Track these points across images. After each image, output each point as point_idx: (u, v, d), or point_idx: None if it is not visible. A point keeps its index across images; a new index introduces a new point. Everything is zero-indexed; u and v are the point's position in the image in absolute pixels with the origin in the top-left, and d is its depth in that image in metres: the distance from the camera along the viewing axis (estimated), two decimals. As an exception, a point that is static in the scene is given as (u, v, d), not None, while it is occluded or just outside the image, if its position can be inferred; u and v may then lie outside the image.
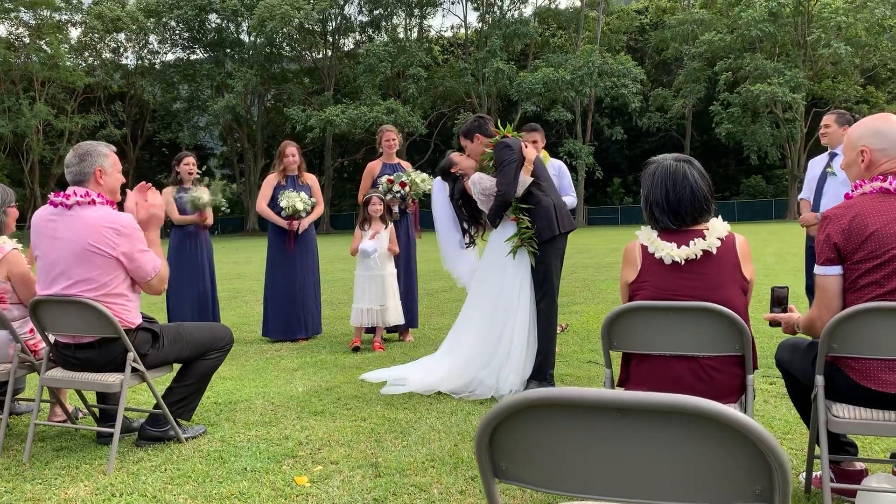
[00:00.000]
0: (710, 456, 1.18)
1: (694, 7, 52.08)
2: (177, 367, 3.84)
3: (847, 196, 2.53)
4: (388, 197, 6.46)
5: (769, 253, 16.65)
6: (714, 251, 2.54)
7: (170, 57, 54.70)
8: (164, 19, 51.13)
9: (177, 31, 52.80)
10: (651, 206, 2.65)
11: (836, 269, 2.48)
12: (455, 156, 5.06)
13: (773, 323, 2.82)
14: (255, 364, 5.71)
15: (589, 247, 21.69)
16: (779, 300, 2.81)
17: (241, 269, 16.61)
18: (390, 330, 6.52)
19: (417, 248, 6.94)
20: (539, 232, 4.56)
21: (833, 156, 5.31)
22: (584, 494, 1.26)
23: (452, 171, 5.00)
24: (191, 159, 6.85)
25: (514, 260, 4.63)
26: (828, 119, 5.30)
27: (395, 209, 6.54)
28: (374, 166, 6.71)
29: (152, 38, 53.09)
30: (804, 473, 2.90)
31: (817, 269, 2.52)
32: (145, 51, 53.55)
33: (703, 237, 2.56)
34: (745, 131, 44.77)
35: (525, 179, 4.58)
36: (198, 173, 6.90)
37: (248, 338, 7.00)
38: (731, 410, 1.12)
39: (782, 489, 1.16)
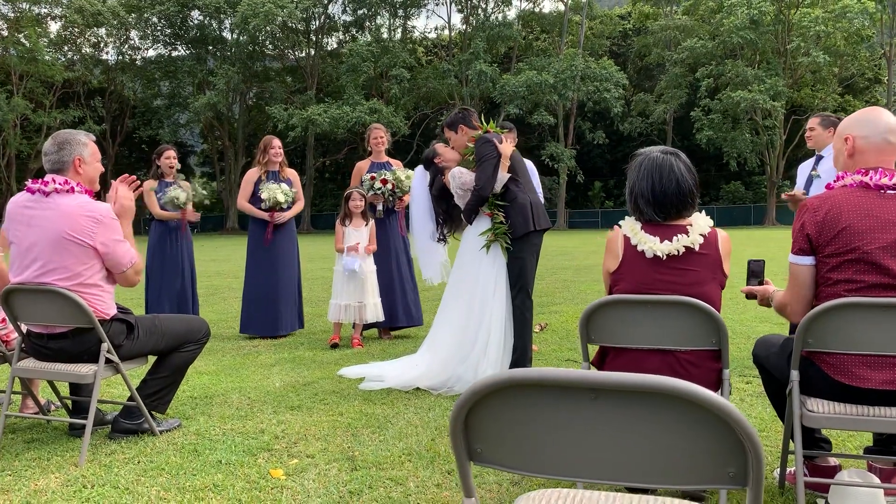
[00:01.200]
0: (684, 437, 1.18)
1: (676, 13, 52.51)
2: (152, 359, 3.79)
3: (828, 186, 2.55)
4: (371, 194, 6.43)
5: (748, 256, 16.78)
6: (697, 248, 2.54)
7: (151, 53, 54.27)
8: (145, 15, 50.65)
9: (158, 27, 52.33)
10: (636, 197, 2.64)
11: (809, 260, 2.50)
12: (439, 147, 5.06)
13: (750, 295, 2.86)
14: (233, 359, 5.67)
15: (569, 249, 21.78)
16: (755, 273, 2.85)
17: (220, 267, 16.48)
18: (368, 327, 6.49)
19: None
20: (514, 228, 4.57)
21: (819, 159, 5.34)
22: (558, 476, 1.26)
23: (435, 161, 5.00)
24: (171, 152, 6.79)
25: (489, 255, 4.63)
26: (813, 122, 5.33)
27: (379, 207, 6.51)
28: (362, 165, 6.69)
29: (133, 33, 52.62)
30: (778, 469, 2.92)
31: (791, 257, 2.55)
32: (126, 46, 53.04)
33: (687, 233, 2.56)
34: (725, 137, 45.18)
35: (503, 176, 4.59)
36: (176, 176, 6.86)
37: (226, 334, 6.94)
38: (706, 391, 1.12)
39: (756, 472, 1.16)
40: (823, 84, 47.98)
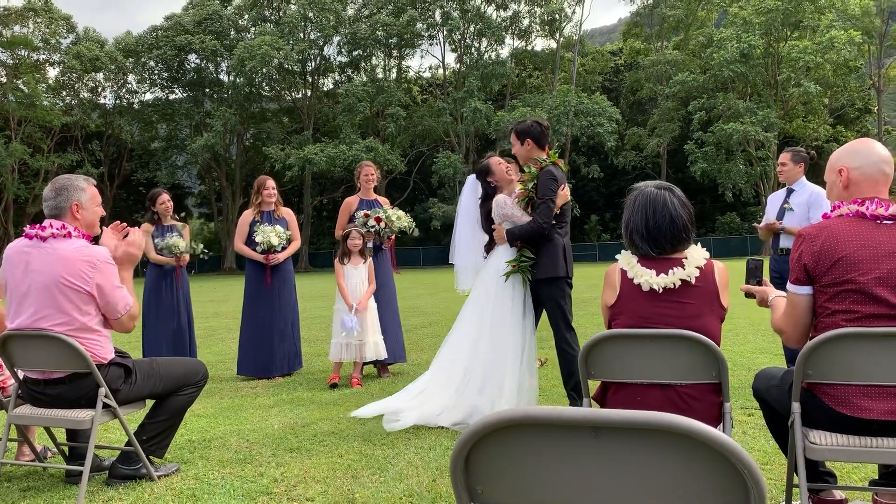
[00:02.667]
0: (685, 474, 1.17)
1: (667, 48, 53.27)
2: (150, 403, 3.76)
3: (825, 216, 2.56)
4: (364, 231, 6.45)
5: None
6: (693, 281, 2.54)
7: (148, 96, 54.80)
8: (142, 59, 51.29)
9: (155, 71, 52.92)
10: (631, 232, 2.65)
11: (806, 290, 2.52)
12: (494, 162, 4.96)
13: (748, 294, 2.89)
14: (230, 401, 5.62)
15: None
16: (753, 272, 2.88)
17: (217, 308, 16.44)
18: (367, 363, 6.46)
19: (396, 284, 6.92)
20: (540, 267, 4.59)
21: (790, 192, 5.44)
22: (560, 516, 1.24)
23: (488, 179, 4.97)
24: (164, 196, 6.83)
25: (509, 288, 4.64)
26: (784, 157, 5.47)
27: (370, 244, 6.53)
28: (351, 201, 6.71)
29: (131, 77, 53.19)
30: (783, 503, 2.89)
31: (789, 286, 2.56)
32: (124, 90, 53.57)
33: (682, 266, 2.56)
34: (719, 169, 45.52)
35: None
36: (175, 216, 6.91)
37: (224, 376, 6.90)
38: (706, 427, 1.12)
39: (759, 508, 1.15)
40: (815, 115, 48.53)
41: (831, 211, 2.55)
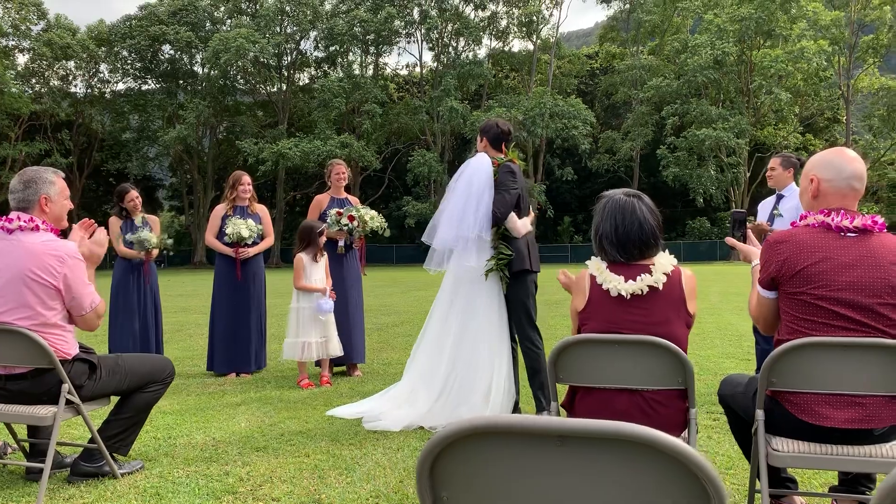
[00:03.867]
0: (649, 484, 1.17)
1: (642, 53, 53.75)
2: (115, 399, 3.71)
3: (793, 224, 2.60)
4: (336, 230, 6.42)
5: (714, 292, 17.01)
6: (660, 287, 2.57)
7: (120, 86, 54.09)
8: (115, 48, 50.61)
9: (129, 61, 52.24)
10: (601, 238, 2.68)
11: (773, 294, 2.58)
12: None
13: (732, 247, 3.00)
14: (198, 398, 5.56)
15: (540, 283, 21.73)
16: (738, 223, 2.95)
17: (186, 303, 16.26)
18: (337, 363, 6.44)
19: (364, 283, 6.89)
20: (513, 263, 4.63)
21: (780, 198, 5.45)
22: (524, 524, 1.25)
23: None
24: (133, 193, 6.73)
25: (485, 290, 4.65)
26: (774, 162, 5.46)
27: (342, 243, 6.50)
28: (321, 199, 6.67)
29: (103, 66, 52.47)
30: (746, 508, 2.93)
31: (758, 287, 2.62)
32: (95, 79, 52.82)
33: (650, 272, 2.59)
34: (691, 174, 46.02)
35: (528, 225, 4.72)
36: (143, 211, 6.81)
37: (192, 372, 6.82)
38: (668, 437, 1.13)
39: (720, 517, 1.16)
40: (785, 123, 49.29)
41: (800, 219, 2.58)
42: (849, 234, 2.44)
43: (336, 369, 6.59)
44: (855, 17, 47.93)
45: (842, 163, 2.53)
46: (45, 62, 49.60)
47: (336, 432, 4.44)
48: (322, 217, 6.50)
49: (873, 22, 47.34)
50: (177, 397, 5.59)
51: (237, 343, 6.49)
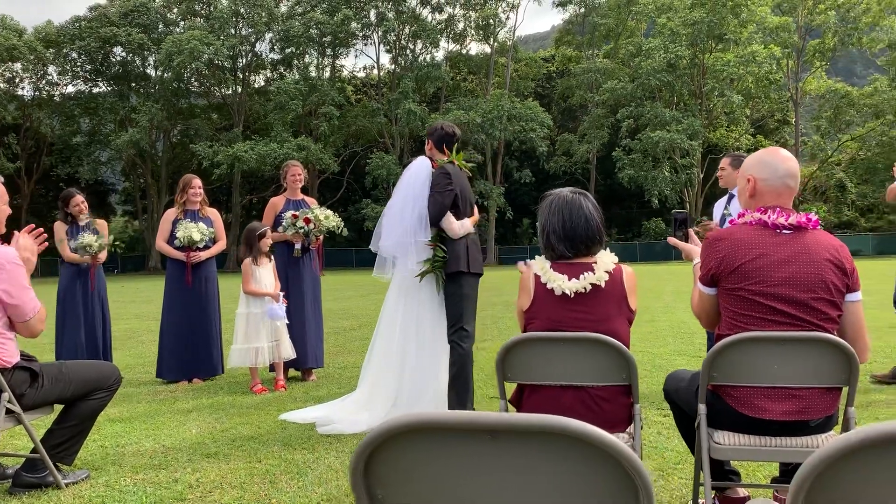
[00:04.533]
0: (578, 476, 1.19)
1: (598, 56, 54.41)
2: (59, 408, 3.63)
3: (732, 222, 2.66)
4: (292, 233, 6.35)
5: (668, 291, 17.29)
6: (602, 284, 2.62)
7: (70, 89, 52.80)
8: (64, 50, 49.41)
9: (78, 63, 51.04)
10: (548, 234, 2.73)
11: (712, 291, 2.63)
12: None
13: (675, 247, 3.05)
14: (148, 406, 5.46)
15: (499, 285, 21.97)
16: (679, 223, 3.01)
17: (139, 309, 15.96)
18: (289, 366, 6.38)
19: (322, 287, 6.84)
20: (448, 265, 4.60)
21: (731, 197, 5.53)
22: (458, 520, 1.26)
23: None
24: (78, 198, 6.58)
25: (427, 294, 4.65)
26: (724, 162, 5.53)
27: (298, 245, 6.43)
28: (277, 201, 6.59)
29: (51, 69, 51.15)
30: (691, 501, 2.99)
31: (699, 284, 2.67)
32: (43, 82, 51.47)
33: (593, 271, 2.63)
34: (646, 176, 46.70)
35: (468, 226, 4.70)
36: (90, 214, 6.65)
37: (142, 379, 6.70)
38: (596, 430, 1.15)
39: (648, 508, 1.18)
40: (737, 125, 50.35)
41: (738, 217, 2.65)
42: (784, 232, 2.51)
43: (291, 373, 6.53)
44: (802, 22, 49.20)
45: (776, 162, 2.59)
46: (-10, 64, 48.24)
47: (289, 437, 4.41)
48: (277, 220, 6.43)
49: (819, 27, 48.67)
50: (126, 405, 5.49)
51: (189, 349, 6.38)
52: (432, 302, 4.68)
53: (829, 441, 1.11)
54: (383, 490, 1.29)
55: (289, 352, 5.99)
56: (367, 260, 53.14)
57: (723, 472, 2.96)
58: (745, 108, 48.60)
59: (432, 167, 4.74)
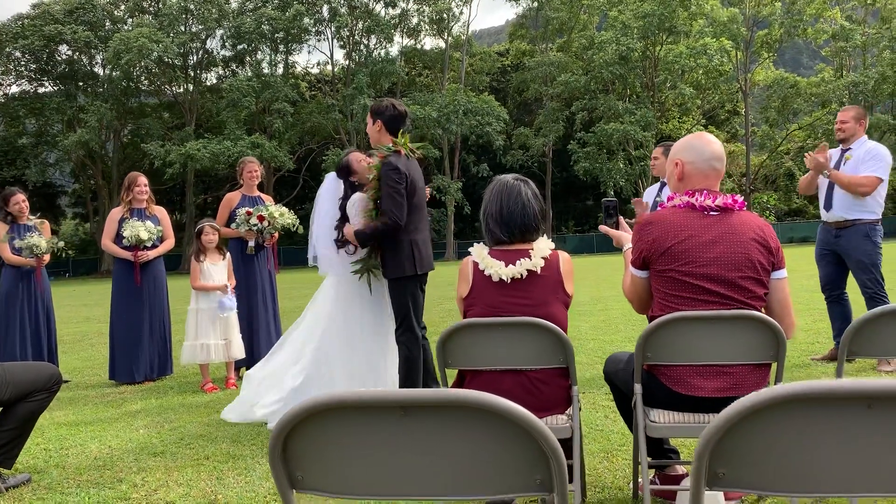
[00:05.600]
0: (491, 448, 1.22)
1: (551, 50, 54.79)
2: (-4, 411, 3.54)
3: (661, 206, 2.72)
4: (245, 230, 6.29)
5: (621, 281, 17.50)
6: (538, 270, 2.66)
7: (14, 89, 51.28)
8: (6, 49, 47.96)
9: (22, 62, 49.62)
10: (487, 217, 2.79)
11: (644, 273, 2.69)
12: (354, 159, 4.72)
13: (606, 234, 3.13)
14: (95, 408, 5.37)
15: (456, 280, 22.01)
16: (608, 212, 3.09)
17: (90, 312, 15.65)
18: (242, 364, 6.32)
19: (279, 285, 6.79)
20: (386, 269, 4.45)
21: (663, 185, 5.65)
22: (374, 496, 1.27)
23: (350, 178, 4.74)
24: (19, 196, 6.43)
25: (364, 292, 4.60)
26: (657, 151, 5.62)
27: (252, 243, 6.37)
28: (232, 197, 6.51)
29: (-6, 68, 49.66)
30: (632, 481, 3.05)
31: (631, 268, 2.72)
32: (-14, 82, 49.97)
33: (529, 257, 2.67)
34: (601, 168, 47.24)
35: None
36: (30, 216, 6.50)
37: (91, 382, 6.58)
38: (504, 402, 1.17)
39: (559, 478, 1.21)
40: (688, 116, 51.20)
41: (667, 201, 2.71)
42: (711, 213, 2.57)
43: (243, 371, 6.47)
44: (749, 13, 50.18)
45: (702, 145, 2.66)
46: (-72, 64, 46.68)
47: (238, 433, 4.38)
48: (232, 216, 6.35)
49: (766, 18, 49.69)
50: (73, 408, 5.39)
51: (138, 349, 6.29)
52: (374, 303, 4.63)
53: (735, 402, 1.15)
54: (302, 472, 1.30)
55: (238, 352, 5.94)
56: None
57: (662, 451, 3.02)
58: (696, 99, 49.46)
59: (373, 158, 4.49)
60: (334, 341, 4.61)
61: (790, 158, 52.77)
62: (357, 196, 4.63)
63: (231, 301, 5.80)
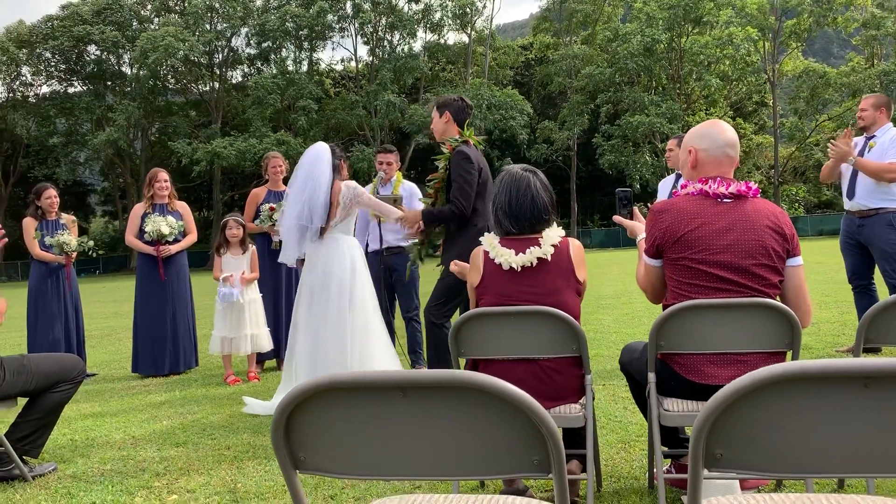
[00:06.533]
0: (489, 429, 1.23)
1: (575, 43, 54.44)
2: (23, 401, 3.63)
3: (675, 194, 2.71)
4: (268, 225, 6.35)
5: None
6: (549, 258, 2.66)
7: (45, 89, 52.21)
8: (37, 50, 48.84)
9: (52, 63, 50.49)
10: (496, 209, 2.78)
11: (657, 262, 2.67)
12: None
13: (619, 224, 3.10)
14: (120, 400, 5.47)
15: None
16: (622, 201, 3.06)
17: (118, 308, 15.89)
18: (268, 358, 6.39)
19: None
20: (451, 254, 4.29)
21: (679, 176, 5.60)
22: (375, 476, 1.29)
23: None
24: (51, 192, 6.55)
25: (359, 278, 4.68)
26: (671, 143, 5.58)
27: (276, 238, 6.42)
28: (258, 192, 6.56)
29: (25, 69, 50.54)
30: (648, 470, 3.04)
31: (644, 257, 2.71)
32: (17, 83, 50.85)
33: (539, 245, 2.68)
34: (626, 161, 46.87)
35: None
36: (59, 212, 6.61)
37: (117, 375, 6.69)
38: (501, 382, 1.18)
39: (556, 459, 1.22)
40: (715, 107, 50.59)
41: (681, 188, 2.69)
42: (725, 200, 2.55)
43: (268, 364, 6.55)
44: (778, 3, 49.43)
45: (716, 133, 2.64)
46: (-39, 66, 47.61)
47: (259, 424, 4.43)
48: (258, 211, 6.43)
49: (794, 7, 48.91)
50: (99, 400, 5.49)
51: (162, 343, 6.38)
52: (365, 287, 4.74)
53: (736, 379, 1.15)
54: (305, 453, 1.32)
55: (265, 344, 6.01)
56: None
57: (677, 441, 3.01)
58: (723, 90, 48.86)
59: (447, 150, 4.39)
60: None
61: (819, 150, 51.92)
62: (353, 185, 4.75)
63: (227, 291, 5.83)
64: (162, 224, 6.28)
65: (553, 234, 2.71)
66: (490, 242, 2.73)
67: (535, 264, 2.64)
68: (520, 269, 2.64)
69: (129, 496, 3.21)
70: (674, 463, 3.06)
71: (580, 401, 2.70)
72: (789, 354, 2.57)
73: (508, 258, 2.64)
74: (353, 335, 4.60)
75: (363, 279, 4.75)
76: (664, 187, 5.69)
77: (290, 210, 4.70)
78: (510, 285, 2.66)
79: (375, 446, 1.26)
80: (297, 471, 1.34)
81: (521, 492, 2.73)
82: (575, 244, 2.73)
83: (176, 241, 6.48)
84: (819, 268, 15.00)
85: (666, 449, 2.98)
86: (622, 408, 4.37)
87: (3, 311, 3.39)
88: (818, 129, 51.15)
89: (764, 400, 1.16)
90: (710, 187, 2.57)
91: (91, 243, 6.72)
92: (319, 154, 4.72)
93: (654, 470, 2.97)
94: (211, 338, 5.98)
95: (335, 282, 4.65)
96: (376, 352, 4.64)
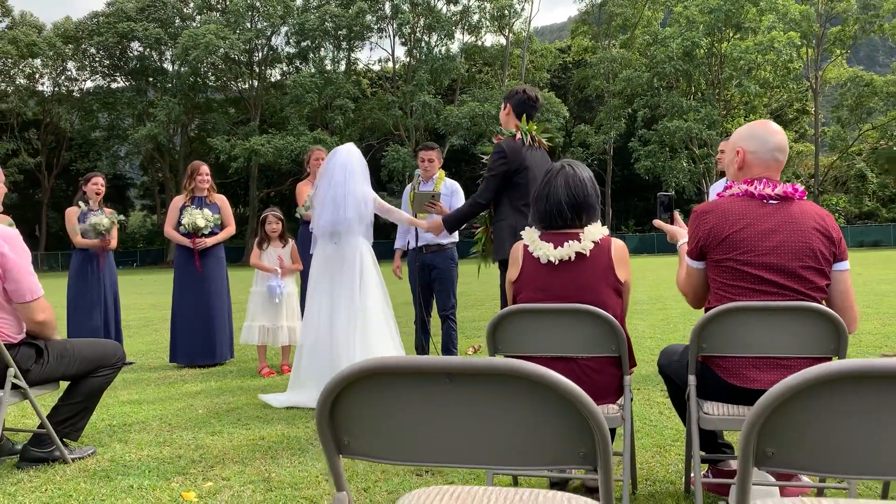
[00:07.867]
0: (536, 419, 1.22)
1: (614, 46, 54.05)
2: (65, 384, 3.70)
3: (719, 195, 2.66)
4: (301, 213, 6.41)
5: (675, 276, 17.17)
6: (587, 254, 2.63)
7: (89, 84, 53.31)
8: (83, 46, 49.91)
9: (96, 59, 51.54)
10: (537, 202, 2.78)
11: (700, 264, 2.62)
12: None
13: (659, 228, 3.07)
14: (157, 388, 5.55)
15: (512, 276, 21.95)
16: (664, 205, 3.04)
17: (156, 300, 16.14)
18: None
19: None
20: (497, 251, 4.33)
21: None
22: (418, 462, 1.29)
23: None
24: (99, 179, 6.70)
25: (367, 275, 4.79)
26: (723, 145, 5.47)
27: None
28: (303, 186, 6.61)
29: (70, 64, 51.69)
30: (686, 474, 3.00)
31: (686, 258, 2.67)
32: (63, 77, 52.04)
33: (579, 240, 2.66)
34: (663, 166, 46.39)
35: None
36: (102, 204, 6.73)
37: (154, 364, 6.80)
38: (551, 373, 1.17)
39: (603, 452, 1.21)
40: (755, 114, 49.84)
41: (725, 190, 2.65)
42: (771, 202, 2.51)
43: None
44: (822, 10, 48.56)
45: (766, 135, 2.58)
46: (10, 60, 48.79)
47: (293, 415, 4.46)
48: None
49: (839, 14, 48.01)
50: (136, 388, 5.57)
51: (199, 334, 6.45)
52: (376, 284, 4.88)
53: (789, 377, 1.13)
54: (349, 437, 1.32)
55: (285, 339, 6.05)
56: (382, 251, 53.27)
57: (716, 445, 2.97)
58: (764, 97, 48.10)
59: (495, 139, 4.42)
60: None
61: (862, 159, 50.87)
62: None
63: (280, 286, 5.90)
64: (198, 217, 6.35)
65: (595, 230, 2.68)
66: (530, 236, 2.72)
67: (573, 258, 2.62)
68: (557, 262, 2.63)
69: (166, 481, 3.25)
70: (711, 468, 3.01)
71: (618, 401, 2.68)
72: (834, 361, 2.51)
73: (547, 251, 2.63)
74: (357, 329, 4.70)
75: (372, 277, 4.89)
76: (715, 190, 5.58)
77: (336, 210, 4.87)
78: (547, 279, 2.64)
79: (420, 432, 1.26)
80: (341, 455, 1.35)
81: (562, 484, 2.73)
82: (617, 243, 2.70)
83: (212, 233, 6.54)
84: (859, 279, 14.69)
85: (704, 453, 2.93)
86: (657, 412, 4.32)
87: (45, 309, 3.41)
88: (861, 139, 50.12)
89: (818, 398, 1.14)
90: (755, 188, 2.53)
91: (122, 217, 6.81)
92: (352, 155, 5.00)
93: (692, 474, 2.93)
94: (244, 327, 6.03)
95: (346, 279, 4.78)
96: (377, 351, 4.68)
